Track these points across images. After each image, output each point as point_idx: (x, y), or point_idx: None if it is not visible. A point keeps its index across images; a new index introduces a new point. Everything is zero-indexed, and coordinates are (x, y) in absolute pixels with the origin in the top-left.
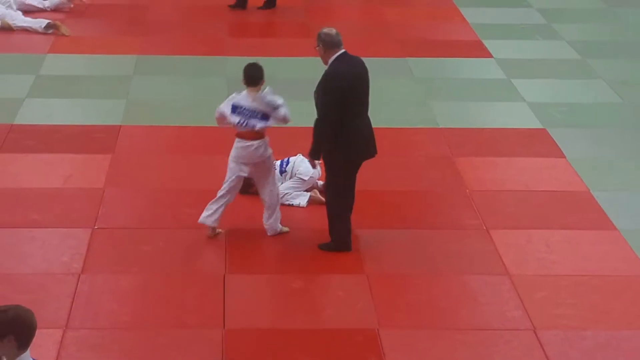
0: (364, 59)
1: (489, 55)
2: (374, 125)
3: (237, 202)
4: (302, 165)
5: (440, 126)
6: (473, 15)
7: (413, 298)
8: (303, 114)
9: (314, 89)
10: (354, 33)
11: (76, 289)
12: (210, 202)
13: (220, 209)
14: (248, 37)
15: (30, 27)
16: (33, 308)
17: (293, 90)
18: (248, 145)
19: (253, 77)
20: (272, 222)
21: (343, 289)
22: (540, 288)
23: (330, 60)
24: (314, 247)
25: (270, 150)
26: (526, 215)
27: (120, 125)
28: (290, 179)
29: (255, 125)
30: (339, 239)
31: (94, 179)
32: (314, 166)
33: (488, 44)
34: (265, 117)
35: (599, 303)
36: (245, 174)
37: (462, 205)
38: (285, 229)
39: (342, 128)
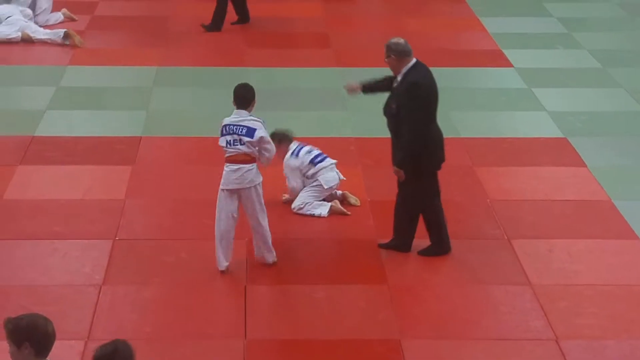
0: (384, 70)
1: (510, 65)
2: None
3: None
4: (329, 173)
5: (461, 135)
6: (493, 24)
7: (435, 308)
8: (323, 124)
9: (385, 103)
10: (374, 43)
11: (98, 300)
12: (217, 247)
13: (227, 251)
14: (268, 47)
15: (49, 39)
16: (55, 319)
17: (313, 101)
18: (237, 169)
19: (244, 98)
20: (267, 249)
21: (365, 299)
22: (562, 298)
23: (404, 70)
24: (334, 257)
25: (261, 178)
26: (547, 225)
27: (141, 137)
28: (309, 179)
29: (243, 140)
30: (404, 240)
31: (114, 191)
32: (401, 177)
33: (508, 53)
34: (250, 133)
35: (621, 313)
36: (236, 214)
37: (483, 214)
38: (274, 259)
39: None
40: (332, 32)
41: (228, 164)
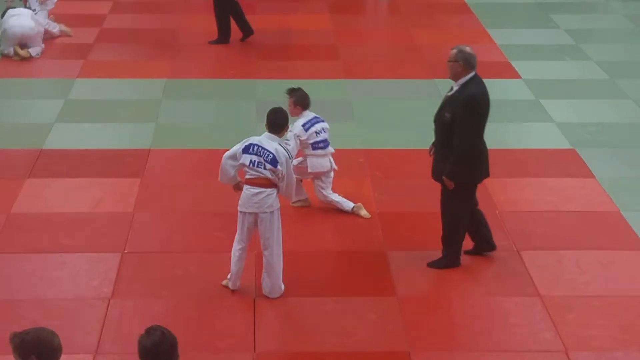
0: (393, 81)
1: (517, 76)
2: (404, 147)
3: None
4: (320, 159)
5: None
6: (501, 36)
7: (444, 320)
8: (332, 135)
9: (437, 111)
10: (383, 55)
11: (106, 313)
12: (232, 264)
13: (240, 272)
14: (277, 60)
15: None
16: (63, 333)
17: (321, 113)
18: (258, 192)
19: (277, 124)
20: (272, 282)
21: (374, 311)
22: (571, 309)
23: (463, 81)
24: (343, 269)
25: (279, 204)
26: (556, 236)
27: (150, 149)
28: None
29: (266, 165)
30: (454, 255)
31: (123, 203)
32: (450, 187)
33: (516, 64)
34: (274, 161)
35: (630, 324)
36: (245, 247)
37: (492, 226)
38: (279, 293)
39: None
40: (340, 44)
41: (248, 187)
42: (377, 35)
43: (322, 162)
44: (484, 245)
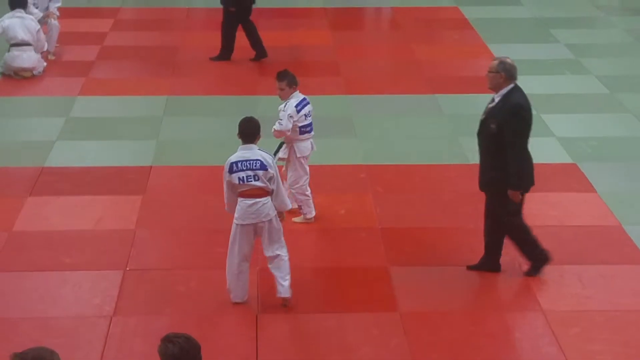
0: (394, 97)
1: None
2: (405, 162)
3: None
4: (304, 143)
5: (471, 162)
6: (501, 51)
7: (447, 335)
8: (333, 151)
9: (480, 123)
10: (383, 70)
11: (108, 331)
12: (231, 280)
13: (245, 284)
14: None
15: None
16: (65, 351)
17: (323, 129)
18: (253, 203)
19: (250, 133)
20: (288, 288)
21: (377, 327)
22: (574, 324)
23: (504, 91)
24: (345, 285)
25: (275, 212)
26: (559, 251)
27: (151, 166)
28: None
29: (257, 176)
30: (540, 256)
31: (125, 221)
32: (517, 199)
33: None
34: (263, 166)
35: (633, 338)
36: (251, 248)
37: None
38: (288, 295)
39: None
40: (341, 60)
41: (243, 199)
42: (378, 50)
43: (306, 145)
44: (492, 263)
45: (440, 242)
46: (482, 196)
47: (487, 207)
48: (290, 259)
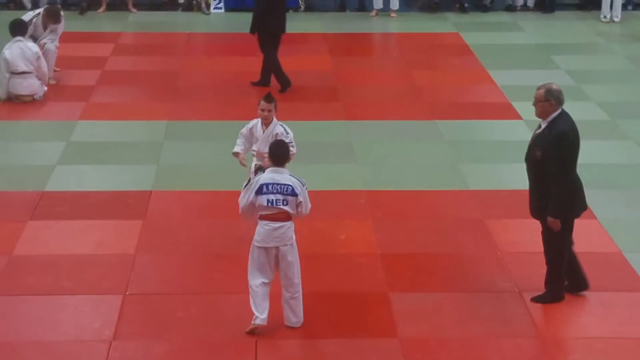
0: (394, 122)
1: (519, 117)
2: (404, 188)
3: None
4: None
5: (471, 188)
6: (502, 77)
7: None
8: (333, 177)
9: (527, 149)
10: (384, 96)
11: (108, 356)
12: (253, 301)
13: (265, 303)
14: (278, 101)
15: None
16: None
17: (322, 154)
18: (279, 227)
19: (281, 156)
20: (291, 314)
21: (376, 353)
22: (573, 351)
23: (551, 117)
24: (345, 311)
25: (294, 235)
26: None
27: (151, 191)
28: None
29: (287, 200)
30: (558, 290)
31: (125, 245)
32: (557, 227)
33: (517, 105)
34: (294, 193)
35: None
36: (272, 270)
37: (494, 267)
38: (299, 323)
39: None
40: (341, 85)
41: (267, 222)
42: (378, 76)
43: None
44: (581, 282)
45: (439, 268)
46: (481, 223)
47: (542, 233)
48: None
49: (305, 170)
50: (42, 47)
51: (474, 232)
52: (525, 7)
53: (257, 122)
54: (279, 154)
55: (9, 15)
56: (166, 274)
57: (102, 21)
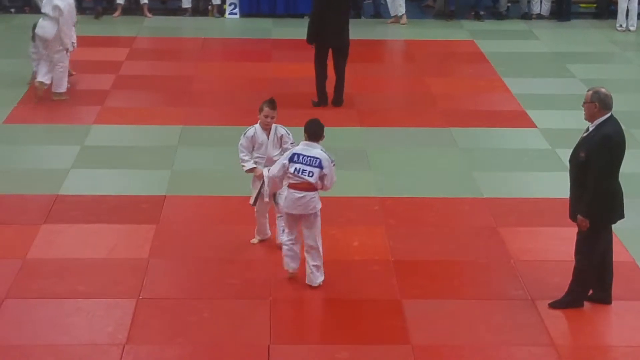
0: (408, 129)
1: (533, 126)
2: (418, 195)
3: (281, 270)
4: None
5: (485, 196)
6: (516, 85)
7: None
8: (347, 183)
9: (572, 151)
10: (398, 103)
11: None
12: (286, 258)
13: (296, 258)
14: (292, 108)
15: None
16: None
17: (336, 161)
18: (302, 196)
19: (316, 133)
20: (315, 272)
21: (388, 359)
22: (587, 359)
23: (599, 121)
24: (358, 317)
25: (320, 204)
26: None
27: (165, 196)
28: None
29: (313, 172)
30: (579, 294)
31: (138, 250)
32: (584, 227)
33: (532, 114)
34: (321, 165)
35: None
36: (297, 233)
37: (507, 275)
38: (321, 281)
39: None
40: (355, 92)
41: (293, 191)
42: (392, 83)
43: None
44: (601, 294)
45: (452, 276)
46: (494, 231)
47: (577, 238)
48: (301, 290)
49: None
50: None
51: (487, 239)
52: (540, 16)
53: (255, 129)
54: (314, 130)
55: (24, 18)
56: (179, 279)
57: (117, 26)
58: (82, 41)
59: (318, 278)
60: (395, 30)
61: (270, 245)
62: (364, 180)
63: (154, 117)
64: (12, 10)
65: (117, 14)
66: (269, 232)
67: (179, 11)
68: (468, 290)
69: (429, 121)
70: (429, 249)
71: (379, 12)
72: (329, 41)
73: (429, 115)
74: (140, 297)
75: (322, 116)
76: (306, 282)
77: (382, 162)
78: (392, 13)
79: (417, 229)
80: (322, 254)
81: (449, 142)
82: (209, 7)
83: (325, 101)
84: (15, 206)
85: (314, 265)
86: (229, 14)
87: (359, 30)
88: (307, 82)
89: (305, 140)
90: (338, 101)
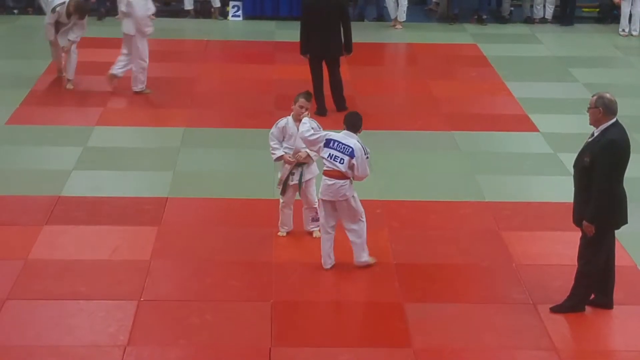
0: (410, 133)
1: (535, 129)
2: (420, 199)
3: (283, 272)
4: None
5: (487, 200)
6: (519, 89)
7: None
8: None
9: (577, 156)
10: (401, 107)
11: None
12: (324, 248)
13: (330, 251)
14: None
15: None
16: None
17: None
18: (333, 184)
19: (355, 124)
20: (360, 252)
21: None
22: None
23: (604, 126)
24: (360, 320)
25: (352, 192)
26: None
27: (167, 198)
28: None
29: (344, 159)
30: (579, 301)
31: (140, 251)
32: (590, 232)
33: (534, 118)
34: (352, 154)
35: None
36: (334, 219)
37: (508, 279)
38: (369, 260)
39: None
40: (358, 95)
41: (325, 178)
42: (395, 86)
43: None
44: (603, 299)
45: (454, 279)
46: (496, 234)
47: (580, 242)
48: (304, 293)
49: (320, 180)
50: (69, 44)
51: (489, 243)
52: (543, 20)
53: (287, 120)
54: (353, 122)
55: (27, 19)
56: (181, 281)
57: (120, 27)
58: (85, 43)
59: (361, 257)
60: (397, 33)
61: (273, 246)
62: (366, 183)
63: (157, 118)
64: (15, 11)
65: (120, 15)
66: (291, 224)
67: (181, 13)
68: (470, 294)
69: (432, 124)
70: (431, 252)
71: (382, 15)
72: (318, 53)
73: (432, 118)
74: (142, 299)
75: (326, 120)
76: (354, 262)
77: (384, 165)
78: (393, 17)
79: (419, 232)
80: (364, 234)
81: (451, 146)
82: (212, 9)
83: (324, 111)
84: (17, 207)
85: (354, 243)
86: (232, 16)
87: (361, 33)
88: (310, 84)
89: (345, 129)
90: (340, 107)
